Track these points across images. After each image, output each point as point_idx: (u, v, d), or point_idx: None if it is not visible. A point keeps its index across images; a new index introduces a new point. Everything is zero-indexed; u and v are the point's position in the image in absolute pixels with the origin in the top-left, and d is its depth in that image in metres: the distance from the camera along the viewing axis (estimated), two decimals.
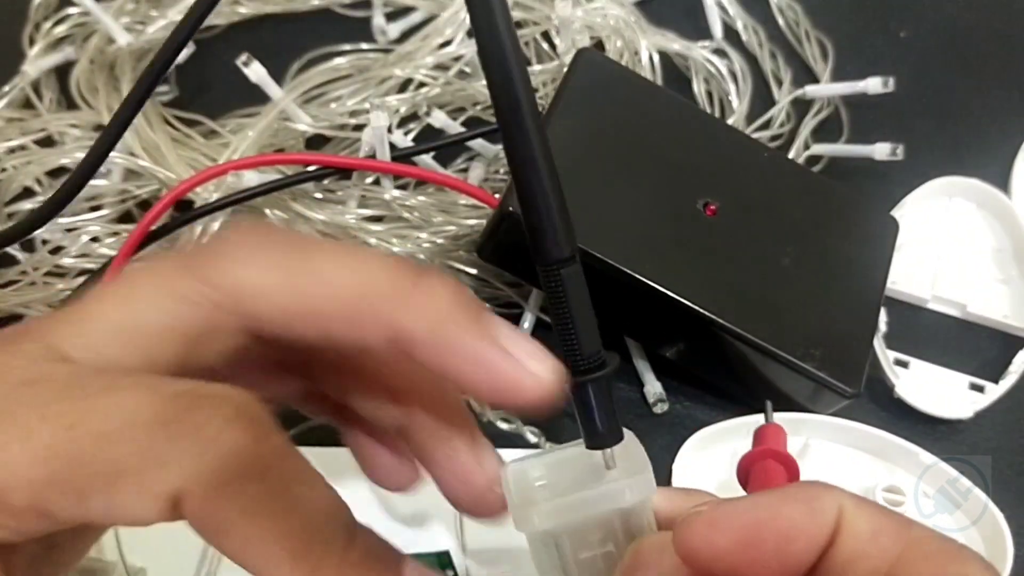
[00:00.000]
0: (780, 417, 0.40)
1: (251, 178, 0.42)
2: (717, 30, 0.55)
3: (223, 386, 0.19)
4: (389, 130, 0.44)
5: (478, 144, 0.47)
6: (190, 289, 0.20)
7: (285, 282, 0.20)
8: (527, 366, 0.21)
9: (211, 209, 0.42)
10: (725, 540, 0.20)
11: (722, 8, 0.56)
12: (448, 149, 0.48)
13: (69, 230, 0.44)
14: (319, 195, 0.44)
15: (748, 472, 0.27)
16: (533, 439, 0.40)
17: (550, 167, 0.20)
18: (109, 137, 0.38)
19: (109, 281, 0.21)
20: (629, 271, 0.38)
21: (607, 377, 0.22)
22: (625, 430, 0.23)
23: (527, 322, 0.43)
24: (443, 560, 0.35)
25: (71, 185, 0.39)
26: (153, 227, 0.41)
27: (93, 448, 0.18)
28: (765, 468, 0.26)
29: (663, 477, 0.39)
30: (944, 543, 0.20)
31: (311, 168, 0.43)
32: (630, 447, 0.23)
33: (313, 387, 0.26)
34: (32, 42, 0.52)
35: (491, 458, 0.25)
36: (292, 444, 0.20)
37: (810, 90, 0.52)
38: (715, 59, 0.53)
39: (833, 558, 0.20)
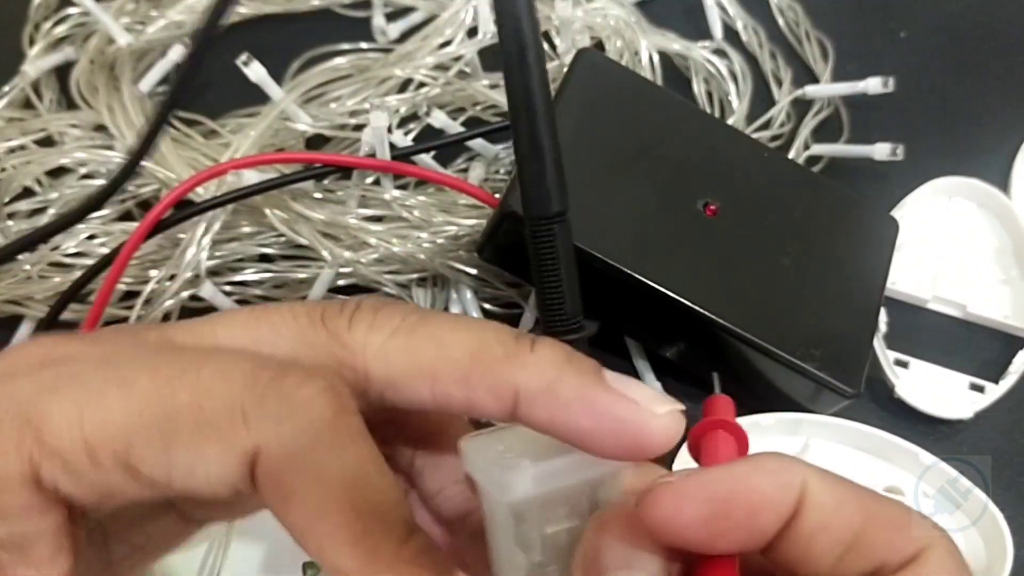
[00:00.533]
0: (780, 417, 0.40)
1: (251, 177, 0.42)
2: (717, 30, 0.55)
3: (315, 362, 0.20)
4: (389, 130, 0.44)
5: (478, 144, 0.47)
6: (318, 339, 0.21)
7: (406, 345, 0.21)
8: (650, 409, 0.21)
9: (211, 205, 0.41)
10: (692, 511, 0.20)
11: (722, 8, 0.56)
12: (448, 149, 0.48)
13: (69, 231, 0.44)
14: (319, 195, 0.44)
15: (699, 444, 0.28)
16: None
17: (551, 122, 0.20)
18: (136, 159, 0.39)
19: (246, 307, 0.22)
20: (629, 271, 0.38)
21: (585, 340, 0.22)
22: None
23: (527, 322, 0.43)
24: None
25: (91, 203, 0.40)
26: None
27: (186, 401, 0.19)
28: (716, 440, 0.26)
29: None
30: (906, 513, 0.21)
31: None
32: None
33: (388, 454, 0.26)
34: (32, 42, 0.52)
35: None
36: (367, 428, 0.20)
37: (810, 90, 0.52)
38: (715, 59, 0.53)
39: (797, 530, 0.20)
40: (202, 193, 0.42)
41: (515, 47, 0.19)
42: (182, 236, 0.43)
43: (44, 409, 0.19)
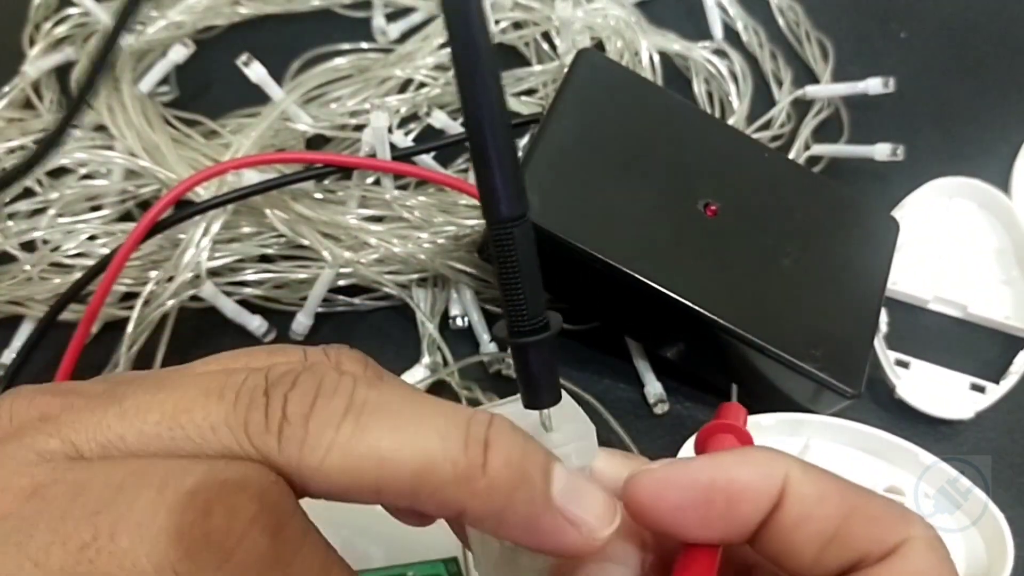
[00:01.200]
0: (780, 417, 0.40)
1: (251, 177, 0.42)
2: (717, 31, 0.55)
3: (240, 471, 0.19)
4: (389, 130, 0.44)
5: None
6: (247, 457, 0.19)
7: (343, 466, 0.19)
8: (590, 530, 0.21)
9: (211, 205, 0.41)
10: (675, 497, 0.21)
11: (722, 9, 0.56)
12: (448, 149, 0.48)
13: (69, 231, 0.44)
14: (319, 195, 0.44)
15: (705, 445, 0.28)
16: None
17: (505, 124, 0.20)
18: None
19: (166, 380, 0.20)
20: (629, 271, 0.38)
21: (550, 340, 0.22)
22: (563, 393, 0.23)
23: None
24: (450, 567, 0.34)
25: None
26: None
27: (108, 567, 0.18)
28: (721, 441, 0.27)
29: None
30: (888, 506, 0.21)
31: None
32: (569, 410, 0.23)
33: None
34: (32, 43, 0.52)
35: None
36: (309, 522, 0.19)
37: (810, 90, 0.52)
38: (715, 59, 0.53)
39: (780, 521, 0.21)
40: (202, 193, 0.42)
41: (466, 57, 0.19)
42: (182, 236, 0.43)
43: None
